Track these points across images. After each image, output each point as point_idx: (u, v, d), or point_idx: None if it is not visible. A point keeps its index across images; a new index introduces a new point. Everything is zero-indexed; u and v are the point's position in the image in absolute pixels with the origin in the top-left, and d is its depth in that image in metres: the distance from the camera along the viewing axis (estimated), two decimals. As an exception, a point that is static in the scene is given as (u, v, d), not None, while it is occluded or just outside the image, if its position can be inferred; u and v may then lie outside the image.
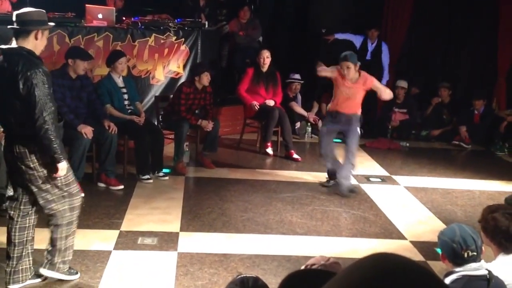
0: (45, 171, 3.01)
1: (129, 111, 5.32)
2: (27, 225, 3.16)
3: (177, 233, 4.08)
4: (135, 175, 5.24)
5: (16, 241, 3.12)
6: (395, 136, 7.57)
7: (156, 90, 6.35)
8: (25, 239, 3.15)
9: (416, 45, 8.50)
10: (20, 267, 3.15)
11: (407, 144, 7.34)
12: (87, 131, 4.64)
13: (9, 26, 3.02)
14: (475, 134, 7.50)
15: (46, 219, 3.20)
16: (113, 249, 3.74)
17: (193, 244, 3.91)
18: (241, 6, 7.59)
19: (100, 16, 5.80)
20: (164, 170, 5.39)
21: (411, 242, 4.21)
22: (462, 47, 8.43)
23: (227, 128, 7.10)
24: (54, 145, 2.92)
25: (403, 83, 7.75)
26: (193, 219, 4.38)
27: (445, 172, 6.20)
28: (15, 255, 3.12)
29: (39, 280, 3.25)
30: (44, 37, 3.01)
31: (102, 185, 4.98)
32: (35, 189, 3.05)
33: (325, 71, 5.27)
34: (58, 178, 3.05)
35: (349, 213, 4.72)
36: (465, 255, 2.28)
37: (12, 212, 3.14)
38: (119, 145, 5.24)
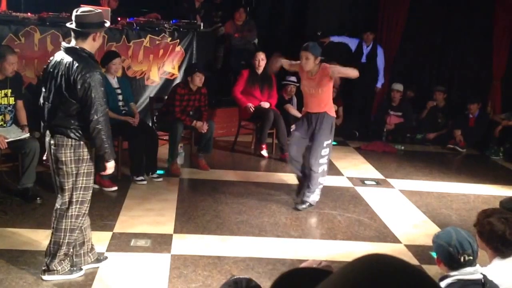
0: (73, 168, 3.08)
1: (124, 112, 5.29)
2: (83, 212, 3.26)
3: (171, 235, 4.05)
4: (129, 176, 5.21)
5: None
6: (390, 139, 7.58)
7: (151, 91, 6.32)
8: (78, 225, 3.25)
9: (411, 48, 8.52)
10: (82, 251, 3.33)
11: (402, 147, 7.35)
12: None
13: (67, 25, 3.10)
14: (470, 138, 7.52)
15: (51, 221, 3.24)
16: (106, 251, 3.70)
17: (187, 246, 3.88)
18: (236, 8, 7.58)
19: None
20: (158, 172, 5.36)
21: (406, 245, 4.20)
22: (457, 51, 8.46)
23: (222, 129, 7.08)
24: (105, 145, 3.07)
25: (398, 86, 7.76)
26: (187, 221, 4.35)
27: (440, 176, 6.20)
28: (77, 242, 3.29)
29: (98, 264, 3.43)
30: (101, 37, 3.14)
31: (95, 186, 4.90)
32: (58, 184, 3.14)
33: (286, 62, 4.85)
34: (82, 179, 3.12)
35: (343, 216, 4.71)
36: (462, 259, 2.27)
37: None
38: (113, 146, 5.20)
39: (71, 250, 3.28)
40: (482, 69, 8.23)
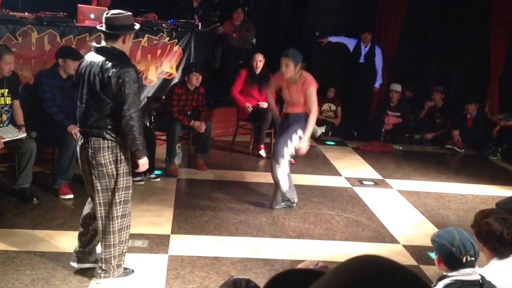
0: (113, 169, 3.08)
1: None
2: (128, 211, 3.26)
3: (168, 236, 4.03)
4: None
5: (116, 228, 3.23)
6: (388, 140, 7.58)
7: (148, 91, 6.30)
8: (125, 225, 3.25)
9: (409, 49, 8.52)
10: (123, 251, 3.31)
11: (400, 148, 7.35)
12: (76, 131, 4.55)
13: (98, 27, 3.13)
14: (468, 138, 7.52)
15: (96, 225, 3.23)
16: (103, 251, 3.68)
17: (184, 247, 3.86)
18: (234, 8, 7.57)
19: (92, 16, 5.74)
20: (156, 172, 5.34)
21: (404, 246, 4.20)
22: (455, 51, 8.46)
23: (220, 129, 7.07)
24: (138, 142, 3.07)
25: (396, 87, 7.76)
26: (185, 222, 4.33)
27: (438, 176, 6.20)
28: (88, 238, 3.32)
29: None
30: (131, 39, 3.15)
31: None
32: (99, 187, 3.11)
33: (270, 92, 4.96)
34: (122, 179, 3.11)
35: (342, 217, 4.70)
36: (464, 259, 2.26)
37: (87, 202, 3.29)
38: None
39: (125, 248, 3.29)
40: (480, 70, 8.24)
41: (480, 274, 2.30)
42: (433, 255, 2.80)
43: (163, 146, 5.70)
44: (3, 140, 4.35)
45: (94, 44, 3.15)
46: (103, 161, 3.06)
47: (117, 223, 3.17)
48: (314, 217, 4.64)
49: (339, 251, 3.99)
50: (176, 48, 6.44)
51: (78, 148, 3.19)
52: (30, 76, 5.27)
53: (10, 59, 4.44)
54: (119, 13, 3.08)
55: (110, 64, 2.97)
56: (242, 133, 6.83)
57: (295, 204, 4.77)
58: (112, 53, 3.03)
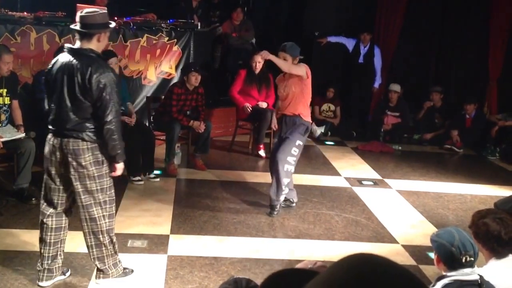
0: (95, 171, 3.04)
1: (120, 111, 5.25)
2: (63, 225, 3.21)
3: (168, 236, 4.03)
4: (125, 177, 5.17)
5: (52, 241, 3.19)
6: (387, 140, 7.59)
7: (147, 91, 6.31)
8: (60, 239, 3.21)
9: (408, 49, 8.53)
10: (54, 266, 3.23)
11: (400, 148, 7.35)
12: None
13: (72, 26, 3.09)
14: (467, 138, 7.53)
15: (82, 226, 3.18)
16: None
17: (184, 247, 3.87)
18: (234, 8, 7.57)
19: (91, 15, 5.74)
20: (155, 172, 5.34)
21: (403, 246, 4.20)
22: (454, 52, 8.47)
23: (219, 129, 7.07)
24: (118, 146, 3.04)
25: (395, 87, 7.76)
26: (184, 222, 4.33)
27: (437, 176, 6.20)
28: (50, 254, 3.20)
29: (64, 277, 3.31)
30: (106, 38, 3.09)
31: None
32: (81, 189, 3.05)
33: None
34: (105, 179, 3.09)
35: (341, 217, 4.70)
36: (463, 259, 2.26)
37: (47, 213, 3.17)
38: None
39: (117, 248, 3.27)
40: (478, 70, 8.24)
41: (479, 274, 2.30)
42: (432, 255, 2.80)
43: (162, 146, 5.70)
44: (1, 140, 4.35)
45: (67, 45, 3.07)
46: (84, 163, 3.00)
47: (105, 223, 3.14)
48: (313, 217, 4.64)
49: (338, 251, 3.99)
50: (175, 48, 6.44)
51: (47, 150, 3.08)
52: (29, 76, 5.27)
53: (9, 59, 4.44)
54: (94, 11, 3.02)
55: (89, 68, 2.90)
56: (242, 133, 6.83)
57: (294, 204, 4.77)
58: (90, 56, 2.96)
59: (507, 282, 2.41)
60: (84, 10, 3.02)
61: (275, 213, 4.57)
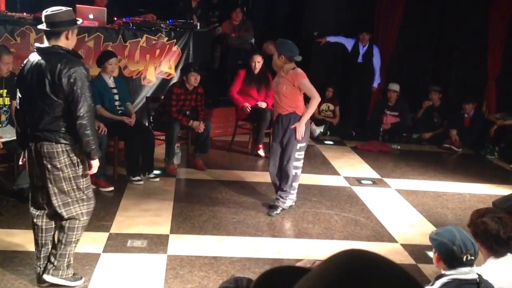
0: (70, 172, 3.02)
1: (120, 111, 5.28)
2: (53, 225, 3.20)
3: (167, 236, 4.05)
4: (125, 177, 5.20)
5: (44, 241, 3.18)
6: (386, 139, 7.60)
7: (147, 91, 6.31)
8: (51, 239, 3.21)
9: (407, 48, 8.54)
10: (74, 251, 3.24)
11: (399, 147, 7.37)
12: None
13: (39, 26, 3.07)
14: (466, 138, 7.55)
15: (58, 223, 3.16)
16: (102, 251, 3.70)
17: (183, 247, 3.88)
18: (233, 8, 7.59)
19: (91, 16, 5.75)
20: (155, 172, 5.35)
21: (402, 245, 4.22)
22: (452, 51, 8.49)
23: (218, 129, 7.08)
24: (92, 142, 2.98)
25: (395, 86, 7.78)
26: (184, 221, 4.35)
27: (435, 175, 6.22)
28: (44, 255, 3.19)
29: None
30: (74, 35, 3.05)
31: (91, 186, 4.93)
32: (55, 190, 3.03)
33: None
34: (81, 180, 3.07)
35: (340, 216, 4.72)
36: (464, 258, 2.27)
37: (36, 213, 3.17)
38: (109, 146, 5.20)
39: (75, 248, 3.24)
40: (477, 69, 8.26)
41: (477, 273, 2.32)
42: (431, 254, 2.80)
43: (162, 146, 5.71)
44: (2, 140, 4.36)
45: (36, 44, 3.05)
46: (59, 165, 2.98)
47: (83, 220, 3.13)
48: (313, 217, 4.66)
49: (337, 250, 4.00)
50: (175, 48, 6.45)
51: (26, 152, 3.08)
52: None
53: (8, 59, 4.45)
54: (59, 9, 2.98)
55: (58, 65, 2.87)
56: (241, 133, 6.84)
57: (293, 204, 4.79)
58: (59, 53, 2.93)
59: (506, 281, 2.42)
60: (49, 9, 2.99)
61: (275, 213, 4.59)
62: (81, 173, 3.07)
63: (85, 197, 3.12)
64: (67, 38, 2.99)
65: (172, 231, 4.13)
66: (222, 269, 3.58)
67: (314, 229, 4.39)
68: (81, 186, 3.08)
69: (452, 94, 8.42)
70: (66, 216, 3.08)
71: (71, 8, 3.06)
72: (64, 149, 2.98)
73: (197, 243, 3.97)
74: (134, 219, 4.31)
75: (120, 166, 5.30)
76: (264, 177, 5.69)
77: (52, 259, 3.16)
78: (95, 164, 3.08)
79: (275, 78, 4.59)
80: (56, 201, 3.05)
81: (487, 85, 8.14)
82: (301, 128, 4.36)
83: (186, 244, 3.93)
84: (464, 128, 7.58)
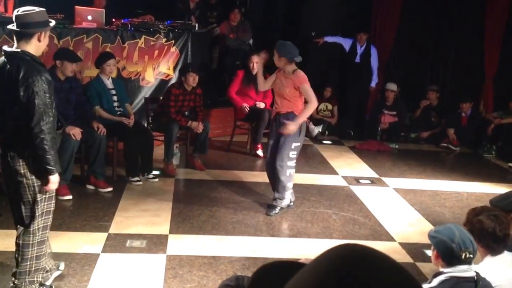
0: (34, 180, 2.87)
1: (119, 112, 5.30)
2: (49, 223, 3.07)
3: (166, 236, 4.06)
4: (124, 177, 5.21)
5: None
6: (384, 138, 7.63)
7: (146, 92, 6.33)
8: (46, 237, 3.08)
9: (405, 48, 8.57)
10: (41, 266, 3.11)
11: (397, 146, 7.39)
12: (75, 132, 4.60)
13: (9, 26, 2.90)
14: (463, 137, 7.58)
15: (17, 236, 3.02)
16: (101, 252, 3.72)
17: (183, 247, 3.90)
18: (231, 9, 7.60)
19: (89, 17, 5.77)
20: (154, 172, 5.37)
21: (400, 243, 4.24)
22: (449, 51, 8.51)
23: (217, 130, 7.10)
24: (48, 156, 2.81)
25: (392, 86, 7.80)
26: (183, 221, 4.36)
27: (433, 174, 6.24)
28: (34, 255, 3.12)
29: (59, 271, 3.28)
30: (46, 37, 2.90)
31: (90, 187, 4.95)
32: (18, 198, 2.89)
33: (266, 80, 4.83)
34: (42, 191, 2.91)
35: (338, 215, 4.74)
36: (463, 256, 2.28)
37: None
38: (108, 146, 5.21)
39: (43, 264, 3.06)
40: (474, 68, 8.29)
41: (475, 271, 2.33)
42: (429, 253, 2.82)
43: (161, 147, 5.73)
44: None
45: (4, 47, 2.88)
46: (22, 171, 2.84)
47: (38, 235, 2.95)
48: (311, 216, 4.68)
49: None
50: (173, 49, 6.47)
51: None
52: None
53: None
54: (31, 9, 2.80)
55: (19, 72, 2.72)
56: (240, 133, 6.86)
57: (292, 203, 4.81)
58: (23, 58, 2.77)
59: (503, 278, 2.44)
60: (20, 9, 2.83)
61: (274, 212, 4.60)
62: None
63: (45, 210, 2.95)
64: (39, 40, 2.83)
65: (171, 231, 4.15)
66: (221, 268, 3.60)
67: (312, 229, 4.41)
68: (43, 196, 2.92)
69: (449, 94, 8.45)
70: (27, 229, 2.92)
71: (44, 9, 2.89)
72: (27, 155, 2.84)
73: (196, 243, 3.99)
74: (133, 219, 4.33)
75: (119, 167, 5.32)
76: (262, 177, 5.70)
77: (13, 279, 3.01)
78: (53, 180, 2.87)
79: (277, 78, 4.58)
80: (23, 212, 2.92)
81: (484, 84, 8.17)
82: (292, 127, 4.37)
83: (185, 244, 3.94)
84: (462, 127, 7.61)
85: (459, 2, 8.27)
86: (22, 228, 2.95)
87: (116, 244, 3.86)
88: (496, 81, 8.09)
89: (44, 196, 2.93)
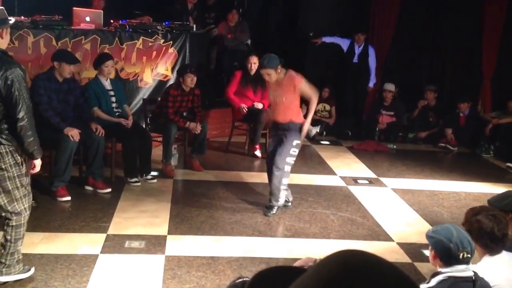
0: (15, 172, 3.06)
1: (117, 113, 5.30)
2: (22, 222, 3.23)
3: (165, 236, 4.07)
4: (122, 178, 5.22)
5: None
6: (382, 138, 7.64)
7: (144, 93, 6.33)
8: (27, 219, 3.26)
9: (402, 48, 8.58)
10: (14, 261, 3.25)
11: (394, 146, 7.40)
12: (73, 133, 4.60)
13: None
14: (461, 137, 7.60)
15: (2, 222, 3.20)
16: (100, 253, 3.72)
17: (181, 247, 3.90)
18: (229, 9, 7.61)
19: (87, 19, 5.77)
20: (152, 173, 5.37)
21: (398, 243, 4.25)
22: (447, 51, 8.53)
23: (215, 130, 7.10)
24: (33, 143, 3.03)
25: (390, 86, 7.82)
26: (181, 222, 4.37)
27: (431, 174, 6.26)
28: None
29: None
30: (8, 35, 3.06)
31: (89, 188, 4.95)
32: (0, 190, 3.07)
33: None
34: (24, 178, 3.12)
35: (336, 215, 4.75)
36: (461, 256, 2.29)
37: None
38: (106, 148, 5.21)
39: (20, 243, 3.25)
40: (472, 68, 8.31)
41: (473, 271, 2.34)
42: (427, 253, 2.82)
43: (159, 148, 5.73)
44: None
45: None
46: (3, 166, 3.02)
47: (27, 214, 3.19)
48: (309, 216, 4.68)
49: (334, 249, 3.99)
50: (171, 50, 6.47)
51: None
52: (27, 80, 5.28)
53: None
54: None
55: None
56: (238, 133, 6.86)
57: (290, 203, 4.81)
58: None
59: (501, 278, 2.44)
60: None
61: (271, 213, 4.61)
62: (24, 172, 3.12)
63: (26, 192, 3.17)
64: (1, 37, 3.00)
65: (169, 232, 4.15)
66: (220, 269, 3.60)
67: (310, 229, 4.42)
68: (24, 183, 3.14)
69: (447, 94, 8.47)
70: (11, 211, 3.11)
71: (3, 8, 3.09)
72: (8, 150, 3.02)
73: (195, 243, 3.99)
74: (131, 220, 4.33)
75: (117, 168, 5.32)
76: (261, 177, 5.71)
77: (3, 260, 3.17)
78: (38, 163, 3.16)
79: (270, 89, 4.57)
80: (1, 200, 3.09)
81: (482, 84, 8.20)
82: (306, 129, 4.50)
83: (183, 245, 3.95)
84: (460, 127, 7.63)
85: (457, 2, 8.29)
86: (11, 213, 3.12)
87: (115, 245, 3.86)
88: (494, 81, 8.11)
89: (25, 183, 3.14)
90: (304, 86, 4.42)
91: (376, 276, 0.71)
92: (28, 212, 3.21)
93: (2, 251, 3.19)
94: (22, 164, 3.10)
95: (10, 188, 3.08)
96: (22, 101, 2.94)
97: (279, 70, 4.39)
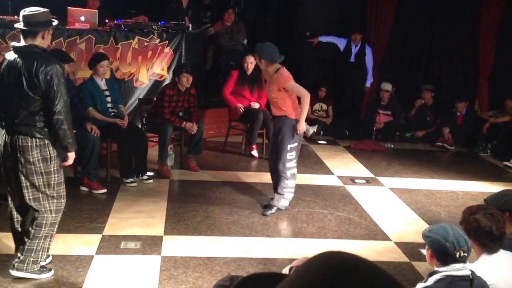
0: (42, 167, 3.14)
1: (112, 114, 5.27)
2: (62, 207, 3.30)
3: (161, 237, 4.04)
4: (118, 179, 5.19)
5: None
6: (379, 138, 7.63)
7: (139, 93, 6.30)
8: (57, 220, 3.33)
9: (399, 48, 8.58)
10: (45, 246, 3.32)
11: (392, 146, 7.39)
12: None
13: (16, 25, 3.23)
14: (458, 136, 7.60)
15: (29, 216, 3.25)
16: (96, 253, 3.69)
17: (177, 248, 3.87)
18: (225, 9, 7.59)
19: (82, 18, 5.74)
20: (148, 173, 5.34)
21: (396, 243, 4.23)
22: (444, 50, 8.53)
23: (212, 130, 7.08)
24: (69, 135, 3.15)
25: (387, 86, 7.81)
26: (177, 223, 4.34)
27: (429, 173, 6.25)
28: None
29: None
30: (49, 35, 3.22)
31: (84, 188, 4.92)
32: (26, 183, 3.15)
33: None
34: (52, 176, 3.17)
35: (334, 215, 4.73)
36: (457, 255, 2.28)
37: (11, 205, 3.29)
38: (102, 148, 5.18)
39: (48, 244, 3.30)
40: (469, 68, 8.32)
41: (470, 270, 2.33)
42: (424, 252, 2.82)
43: (155, 148, 5.70)
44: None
45: (13, 43, 3.19)
46: (31, 159, 3.11)
47: (51, 217, 3.23)
48: (307, 216, 4.66)
49: (331, 249, 4.01)
50: (167, 49, 6.44)
51: (1, 146, 3.22)
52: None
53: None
54: (36, 10, 3.14)
55: (35, 62, 3.02)
56: (234, 133, 6.84)
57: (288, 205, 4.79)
58: (34, 51, 3.08)
59: (498, 277, 2.44)
60: (27, 10, 3.14)
61: (270, 212, 4.59)
62: (53, 169, 3.18)
63: (55, 194, 3.21)
64: (43, 38, 3.14)
65: (166, 232, 4.13)
66: (216, 269, 3.58)
67: (308, 229, 4.40)
68: (52, 183, 3.19)
69: (444, 93, 8.47)
70: (36, 208, 3.18)
71: (48, 10, 3.21)
72: (37, 143, 3.11)
73: (191, 244, 3.97)
74: (127, 220, 4.30)
75: (113, 168, 5.29)
76: (257, 177, 5.70)
77: (19, 254, 3.24)
78: (71, 156, 3.28)
79: (266, 82, 4.65)
80: (27, 195, 3.17)
81: (479, 84, 8.20)
82: (301, 128, 4.45)
83: (180, 245, 3.92)
84: (457, 126, 7.63)
85: (453, 2, 8.29)
86: (34, 209, 3.19)
87: (111, 245, 3.83)
88: (491, 80, 8.12)
89: (55, 182, 3.20)
90: (291, 86, 4.37)
91: (359, 278, 0.70)
92: (53, 215, 3.23)
93: (21, 245, 3.24)
94: (50, 161, 3.16)
95: (37, 184, 3.14)
96: (60, 96, 3.07)
97: (263, 63, 4.42)
